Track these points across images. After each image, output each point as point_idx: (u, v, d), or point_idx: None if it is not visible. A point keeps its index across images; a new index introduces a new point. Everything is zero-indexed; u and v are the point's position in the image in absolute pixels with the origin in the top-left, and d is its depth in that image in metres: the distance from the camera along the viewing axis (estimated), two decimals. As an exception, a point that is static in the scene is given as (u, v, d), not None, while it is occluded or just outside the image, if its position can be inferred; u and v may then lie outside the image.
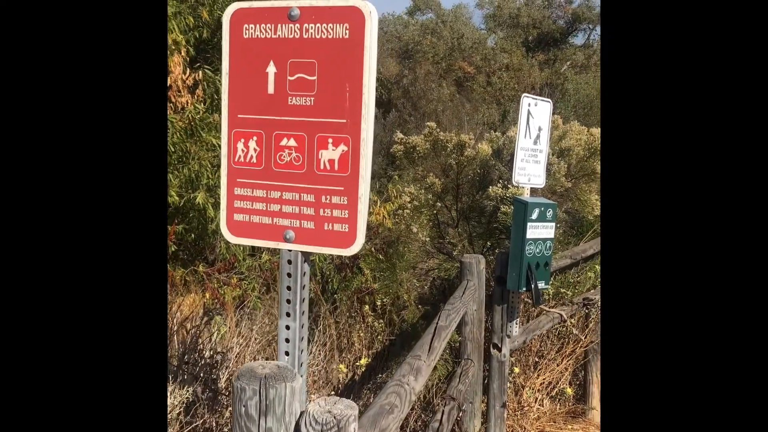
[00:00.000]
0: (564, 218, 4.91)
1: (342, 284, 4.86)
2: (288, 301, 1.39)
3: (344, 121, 1.31)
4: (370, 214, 5.00)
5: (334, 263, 5.01)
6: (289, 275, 1.39)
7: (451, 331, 2.66)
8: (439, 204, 4.13)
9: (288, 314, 1.39)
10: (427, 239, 3.98)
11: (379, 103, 14.11)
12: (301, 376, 1.39)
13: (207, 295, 4.53)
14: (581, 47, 23.95)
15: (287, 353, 1.40)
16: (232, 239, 1.45)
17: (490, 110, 15.68)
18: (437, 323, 2.52)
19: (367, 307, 4.12)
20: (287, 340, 1.40)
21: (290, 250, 1.39)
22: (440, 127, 4.92)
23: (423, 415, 3.13)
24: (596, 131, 4.31)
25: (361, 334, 3.96)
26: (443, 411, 2.73)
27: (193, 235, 5.22)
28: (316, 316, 3.91)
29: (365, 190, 1.32)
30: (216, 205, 4.71)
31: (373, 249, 4.93)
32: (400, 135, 4.48)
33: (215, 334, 2.88)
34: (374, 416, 1.61)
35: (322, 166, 1.34)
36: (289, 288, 1.40)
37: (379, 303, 4.14)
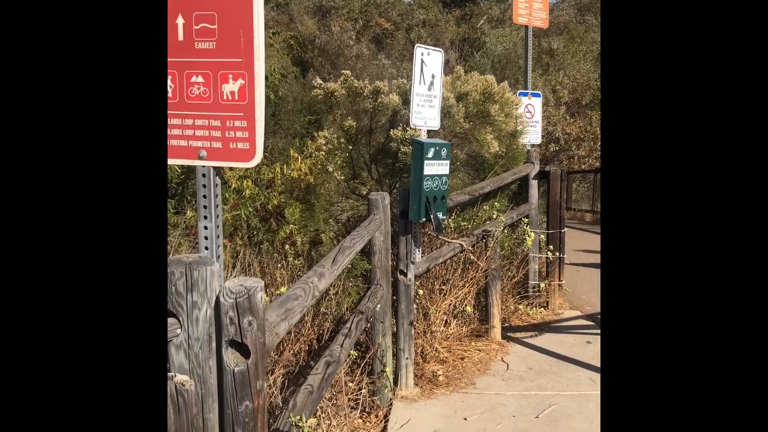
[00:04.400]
0: (467, 160, 5.40)
1: (268, 235, 5.19)
2: (205, 207, 1.76)
3: (240, 60, 1.66)
4: (292, 170, 5.32)
5: (259, 215, 5.32)
6: (204, 186, 1.75)
7: (355, 251, 3.08)
8: (351, 147, 4.51)
9: (205, 217, 1.76)
10: (342, 178, 4.36)
11: (297, 63, 14.20)
12: (219, 265, 1.77)
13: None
14: (496, 2, 24.48)
15: (206, 248, 1.78)
16: (156, 160, 1.79)
17: (411, 66, 16.00)
18: (342, 244, 2.94)
19: (287, 247, 4.49)
20: (206, 238, 1.77)
21: (204, 166, 1.75)
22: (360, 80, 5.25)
23: (336, 330, 3.56)
24: (491, 78, 4.77)
25: (283, 272, 4.33)
26: (352, 321, 3.18)
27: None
28: (236, 253, 4.25)
29: (261, 114, 1.69)
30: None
31: (296, 200, 5.27)
32: (319, 80, 4.78)
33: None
34: (282, 301, 2.01)
35: (225, 97, 1.70)
36: (204, 196, 1.76)
37: (299, 241, 4.51)
